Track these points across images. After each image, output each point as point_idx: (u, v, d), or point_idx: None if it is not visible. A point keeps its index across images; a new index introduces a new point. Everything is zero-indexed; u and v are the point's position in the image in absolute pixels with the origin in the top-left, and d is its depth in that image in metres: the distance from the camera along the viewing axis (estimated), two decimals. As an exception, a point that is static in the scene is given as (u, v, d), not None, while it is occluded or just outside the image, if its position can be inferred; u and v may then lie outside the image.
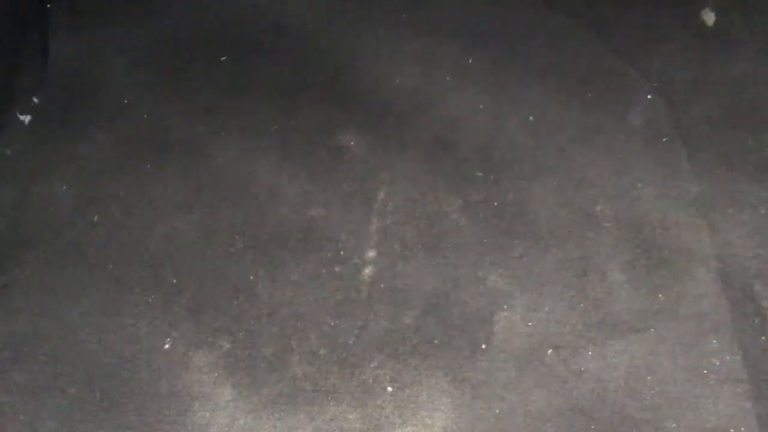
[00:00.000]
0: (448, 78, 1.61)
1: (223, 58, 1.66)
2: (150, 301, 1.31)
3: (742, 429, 1.16)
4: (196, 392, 1.22)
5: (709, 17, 1.65)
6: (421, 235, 1.40)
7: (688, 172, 1.46)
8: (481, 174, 1.47)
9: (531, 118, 1.55)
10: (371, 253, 1.38)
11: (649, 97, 1.57)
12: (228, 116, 1.55)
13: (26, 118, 1.59)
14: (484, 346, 1.26)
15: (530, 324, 1.28)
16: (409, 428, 1.18)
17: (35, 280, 1.34)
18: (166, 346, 1.26)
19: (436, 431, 1.18)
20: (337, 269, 1.36)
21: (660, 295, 1.30)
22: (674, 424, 1.17)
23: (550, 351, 1.25)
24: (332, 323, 1.29)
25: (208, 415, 1.20)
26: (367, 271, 1.36)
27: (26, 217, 1.43)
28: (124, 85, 1.61)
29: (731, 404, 1.19)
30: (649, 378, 1.22)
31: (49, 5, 1.75)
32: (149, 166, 1.49)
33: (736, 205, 1.40)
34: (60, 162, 1.50)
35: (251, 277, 1.34)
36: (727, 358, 1.23)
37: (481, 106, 1.56)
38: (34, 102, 1.61)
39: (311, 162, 1.49)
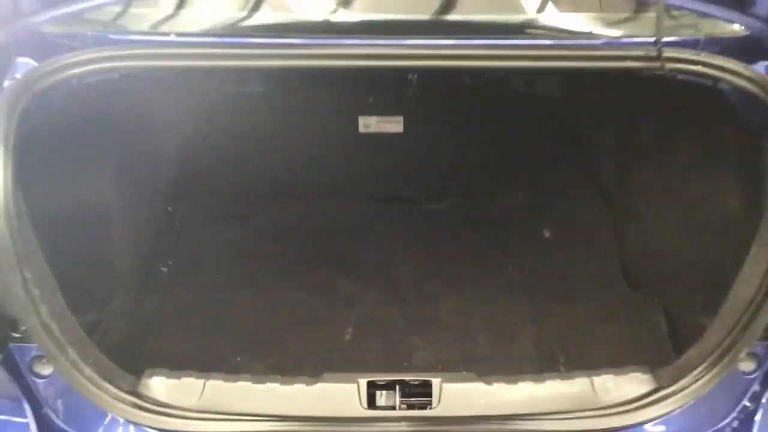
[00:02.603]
0: (405, 263, 2.88)
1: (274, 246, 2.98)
2: (231, 347, 2.45)
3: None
4: (254, 372, 2.30)
5: (546, 232, 2.99)
6: (376, 326, 2.54)
7: (524, 296, 2.67)
8: (412, 298, 2.69)
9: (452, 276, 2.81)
10: (349, 329, 2.54)
11: (510, 269, 2.84)
12: (278, 271, 2.82)
13: (165, 269, 2.87)
14: (405, 364, 2.38)
15: (426, 352, 2.42)
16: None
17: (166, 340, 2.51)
18: (238, 359, 2.40)
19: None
20: (329, 336, 2.52)
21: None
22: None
23: (440, 366, 2.37)
24: (326, 356, 2.41)
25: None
26: (347, 337, 2.51)
27: (165, 316, 2.62)
28: (219, 249, 2.91)
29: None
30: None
31: (177, 224, 3.12)
32: (229, 295, 2.71)
33: (551, 314, 2.60)
34: (184, 287, 2.75)
35: (285, 336, 2.51)
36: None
37: (418, 274, 2.82)
38: (170, 263, 2.90)
39: (321, 294, 2.71)
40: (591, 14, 2.10)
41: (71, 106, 2.00)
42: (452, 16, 2.14)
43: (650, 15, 1.88)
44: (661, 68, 1.81)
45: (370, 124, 2.91)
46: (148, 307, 2.61)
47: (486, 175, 3.13)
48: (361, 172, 3.09)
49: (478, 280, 2.78)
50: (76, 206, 2.40)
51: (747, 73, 1.80)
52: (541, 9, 2.17)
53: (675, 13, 2.01)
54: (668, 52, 1.81)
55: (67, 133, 2.14)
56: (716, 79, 1.83)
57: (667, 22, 1.96)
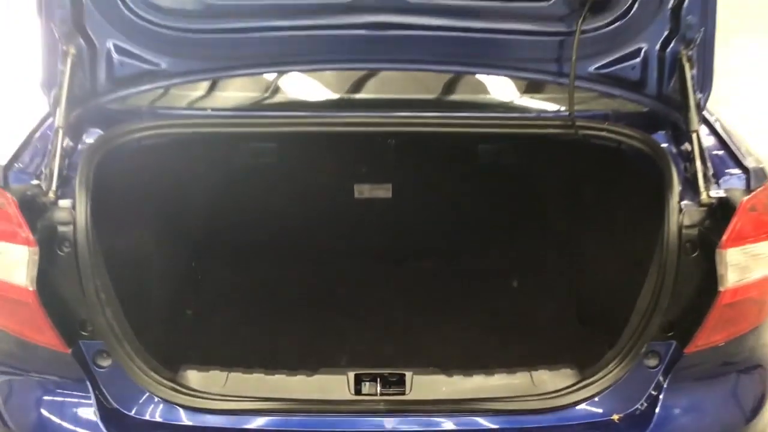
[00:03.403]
0: (394, 308, 3.39)
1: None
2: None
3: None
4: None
5: (515, 282, 3.52)
6: (367, 355, 3.03)
7: (494, 332, 3.17)
8: (400, 335, 3.19)
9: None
10: (344, 357, 3.04)
11: (481, 311, 3.35)
12: (285, 314, 3.32)
13: (189, 312, 3.38)
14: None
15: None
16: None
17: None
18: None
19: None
20: (327, 362, 2.98)
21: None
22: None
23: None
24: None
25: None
26: (342, 363, 3.01)
27: (188, 347, 3.11)
28: (234, 297, 3.43)
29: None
30: None
31: (199, 276, 3.66)
32: (243, 333, 3.21)
33: (516, 346, 3.09)
34: (204, 325, 3.26)
35: (290, 362, 2.99)
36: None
37: (405, 317, 3.33)
38: (193, 306, 3.42)
39: (322, 332, 3.21)
40: (526, 95, 2.73)
41: (129, 166, 2.59)
42: (426, 96, 2.78)
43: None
44: (576, 134, 2.40)
45: (363, 190, 3.47)
46: (174, 341, 3.11)
47: (462, 235, 3.68)
48: (357, 233, 3.64)
49: (456, 321, 3.29)
50: (123, 250, 2.93)
51: (639, 136, 2.39)
52: (493, 91, 2.80)
53: (591, 94, 2.60)
54: (580, 122, 2.41)
55: (125, 189, 2.72)
56: (619, 142, 2.41)
57: (585, 100, 2.56)
